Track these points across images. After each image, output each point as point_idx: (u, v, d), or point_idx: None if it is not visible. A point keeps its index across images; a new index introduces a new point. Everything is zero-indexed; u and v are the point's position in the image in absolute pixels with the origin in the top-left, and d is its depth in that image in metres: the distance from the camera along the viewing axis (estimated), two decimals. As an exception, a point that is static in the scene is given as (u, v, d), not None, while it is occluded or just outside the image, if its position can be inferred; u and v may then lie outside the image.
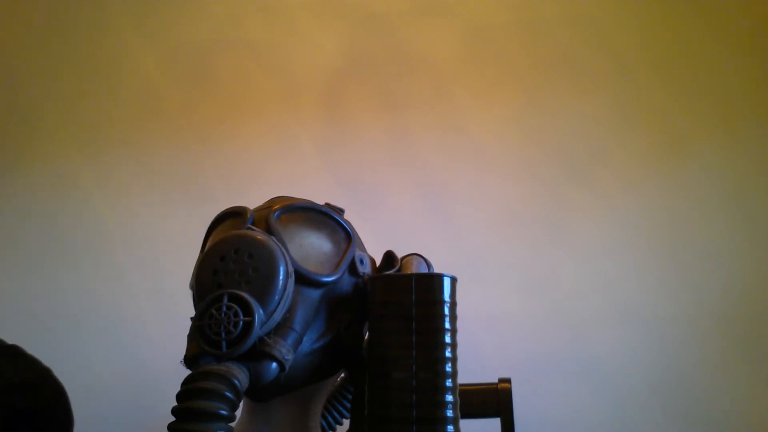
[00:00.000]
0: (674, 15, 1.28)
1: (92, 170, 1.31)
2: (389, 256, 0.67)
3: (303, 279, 0.55)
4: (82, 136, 1.33)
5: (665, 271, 1.17)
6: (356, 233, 0.65)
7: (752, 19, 1.26)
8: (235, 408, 0.46)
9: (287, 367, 0.51)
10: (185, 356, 0.50)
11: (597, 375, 1.13)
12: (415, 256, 0.68)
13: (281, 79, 1.33)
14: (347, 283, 0.61)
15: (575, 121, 1.25)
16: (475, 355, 1.14)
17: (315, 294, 0.57)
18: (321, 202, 0.65)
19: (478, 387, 0.77)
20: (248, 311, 0.48)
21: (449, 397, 0.55)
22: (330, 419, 0.79)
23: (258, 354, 0.50)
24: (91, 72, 1.36)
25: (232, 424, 0.46)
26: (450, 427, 0.54)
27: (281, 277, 0.51)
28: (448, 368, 0.56)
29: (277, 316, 0.51)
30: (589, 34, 1.29)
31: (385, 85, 1.31)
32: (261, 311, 0.49)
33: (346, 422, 0.73)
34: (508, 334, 1.16)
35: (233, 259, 0.52)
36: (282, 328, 0.52)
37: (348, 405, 0.79)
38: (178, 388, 0.46)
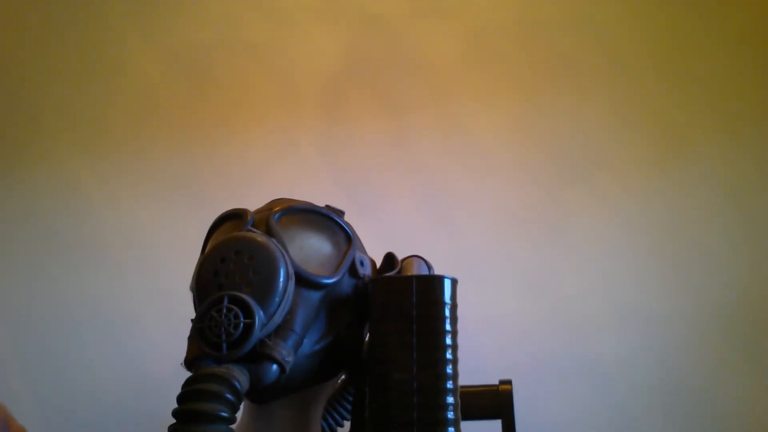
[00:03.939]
0: (674, 15, 1.28)
1: (92, 171, 1.30)
2: (390, 258, 0.67)
3: (303, 281, 0.55)
4: (82, 136, 1.32)
5: (665, 271, 1.17)
6: (356, 235, 0.65)
7: (752, 20, 1.26)
8: (235, 410, 0.46)
9: (288, 369, 0.51)
10: (185, 358, 0.50)
11: (598, 376, 1.13)
12: (415, 258, 0.68)
13: (282, 82, 1.33)
14: (347, 284, 0.61)
15: (576, 122, 1.25)
16: (476, 356, 1.14)
17: (315, 296, 0.57)
18: (321, 204, 0.65)
19: (479, 389, 0.77)
20: (248, 313, 0.48)
21: (450, 399, 0.55)
22: (331, 421, 0.79)
23: (258, 356, 0.50)
24: (91, 72, 1.36)
25: (233, 426, 0.46)
26: (451, 429, 0.54)
27: (281, 279, 0.51)
28: (449, 370, 0.55)
29: (278, 318, 0.51)
30: (589, 35, 1.29)
31: (386, 88, 1.31)
32: (261, 313, 0.49)
33: (347, 424, 0.73)
34: (508, 336, 1.16)
35: (234, 261, 0.52)
36: (282, 330, 0.52)
37: (349, 407, 0.79)
38: (179, 390, 0.46)
